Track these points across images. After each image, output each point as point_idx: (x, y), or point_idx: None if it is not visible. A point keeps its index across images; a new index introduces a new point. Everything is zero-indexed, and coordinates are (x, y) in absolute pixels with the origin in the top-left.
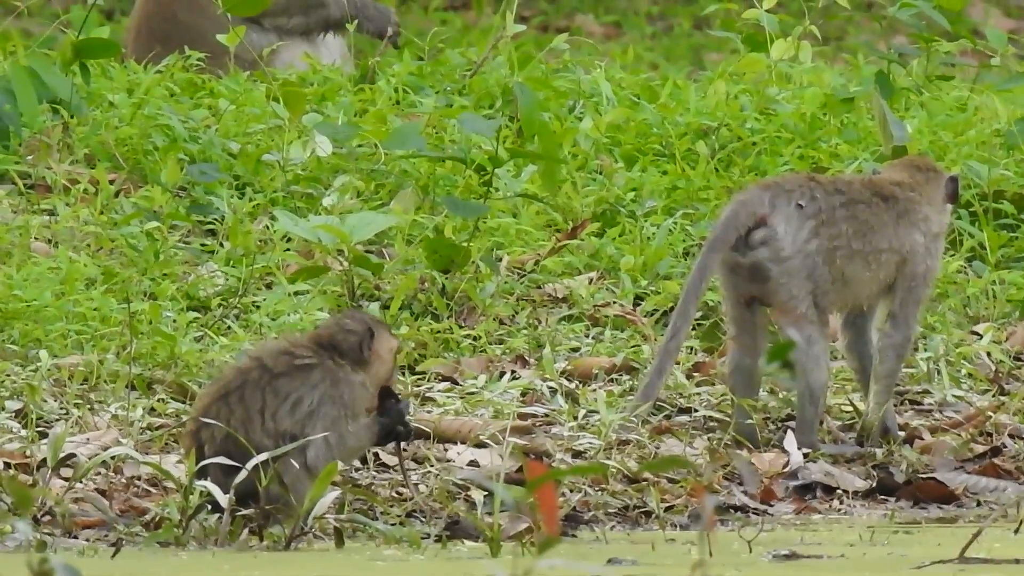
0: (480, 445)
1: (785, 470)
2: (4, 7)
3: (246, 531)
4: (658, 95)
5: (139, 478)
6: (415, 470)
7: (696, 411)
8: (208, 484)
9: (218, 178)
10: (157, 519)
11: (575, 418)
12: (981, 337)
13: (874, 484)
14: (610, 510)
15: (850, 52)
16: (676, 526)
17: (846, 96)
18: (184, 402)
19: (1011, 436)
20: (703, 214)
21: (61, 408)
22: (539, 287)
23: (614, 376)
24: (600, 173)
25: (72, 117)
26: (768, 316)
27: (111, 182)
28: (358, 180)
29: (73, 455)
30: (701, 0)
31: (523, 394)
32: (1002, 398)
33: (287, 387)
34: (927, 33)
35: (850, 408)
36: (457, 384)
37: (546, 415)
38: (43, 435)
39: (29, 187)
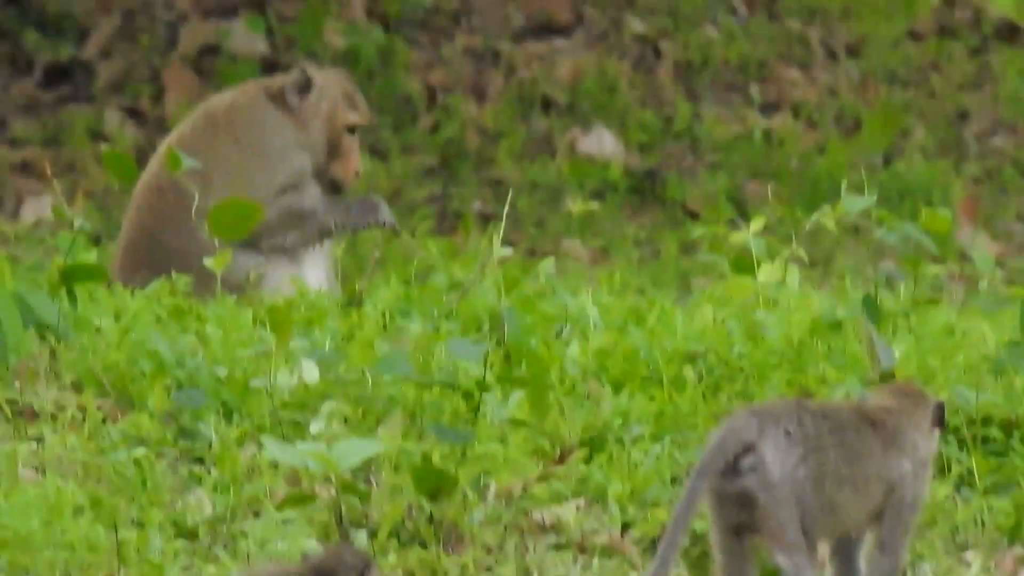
0: None
1: None
2: None
3: None
4: (646, 320)
5: None
6: None
7: None
8: None
9: (205, 404)
10: None
11: None
12: (970, 566)
13: None
14: None
15: (838, 276)
16: None
17: (834, 321)
18: None
19: None
20: (691, 440)
21: None
22: (527, 514)
23: None
24: (588, 398)
25: (59, 343)
26: (757, 544)
27: (98, 408)
28: (345, 406)
29: None
30: (687, 224)
31: None
32: None
33: None
34: (914, 257)
35: None
36: None
37: None
38: None
39: (16, 414)
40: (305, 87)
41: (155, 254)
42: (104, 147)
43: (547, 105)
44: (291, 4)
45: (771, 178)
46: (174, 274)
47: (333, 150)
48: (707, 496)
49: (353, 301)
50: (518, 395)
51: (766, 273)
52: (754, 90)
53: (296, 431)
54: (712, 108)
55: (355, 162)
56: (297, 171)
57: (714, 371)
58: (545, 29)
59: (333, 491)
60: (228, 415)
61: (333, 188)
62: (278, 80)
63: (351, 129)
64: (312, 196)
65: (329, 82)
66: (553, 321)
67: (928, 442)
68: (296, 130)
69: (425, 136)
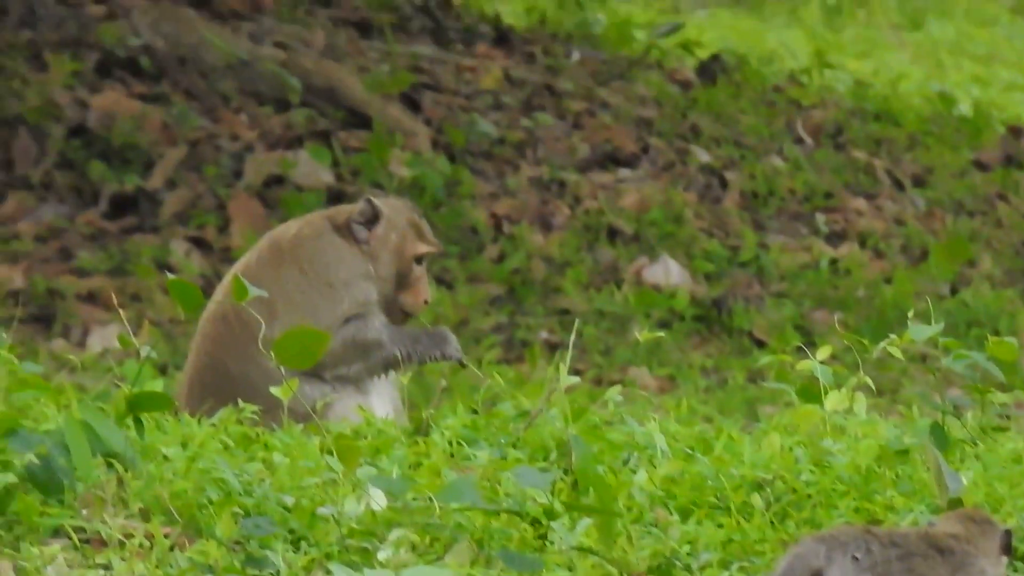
0: None
1: None
2: (57, 361)
3: None
4: (712, 447)
5: None
6: None
7: None
8: None
9: (273, 532)
10: None
11: None
12: None
13: None
14: None
15: (904, 404)
16: None
17: (901, 448)
18: None
19: None
20: (759, 567)
21: None
22: None
23: None
24: (655, 526)
25: (126, 471)
26: None
27: (166, 536)
28: (413, 534)
29: None
30: (754, 353)
31: None
32: None
33: None
34: (981, 384)
35: None
36: None
37: None
38: None
39: (84, 542)
40: (372, 218)
41: (221, 383)
42: (169, 276)
43: (613, 234)
44: (356, 135)
45: (838, 307)
46: (240, 403)
47: (402, 280)
48: None
49: (420, 429)
50: (585, 523)
51: (833, 401)
52: (820, 220)
53: (364, 559)
54: (778, 237)
55: (424, 292)
56: (362, 301)
57: (782, 498)
58: (611, 159)
59: None
60: (296, 543)
61: (402, 318)
62: (344, 211)
63: (419, 259)
64: (377, 327)
65: (395, 212)
66: (620, 449)
67: (996, 569)
68: (363, 261)
69: (491, 266)
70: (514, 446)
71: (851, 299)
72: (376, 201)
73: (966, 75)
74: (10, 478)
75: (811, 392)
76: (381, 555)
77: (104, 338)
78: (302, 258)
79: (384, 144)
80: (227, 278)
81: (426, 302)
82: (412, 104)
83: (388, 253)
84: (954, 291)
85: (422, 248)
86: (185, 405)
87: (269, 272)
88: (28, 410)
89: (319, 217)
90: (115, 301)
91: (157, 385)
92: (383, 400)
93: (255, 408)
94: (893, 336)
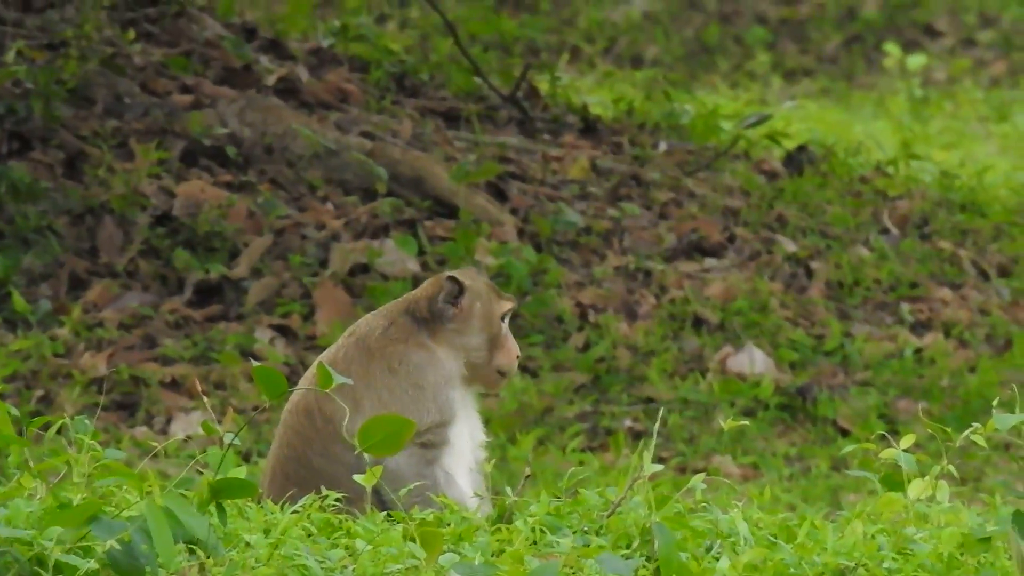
0: None
1: None
2: (140, 448)
3: None
4: (795, 535)
5: None
6: None
7: None
8: None
9: None
10: None
11: None
12: None
13: None
14: None
15: (988, 492)
16: None
17: (983, 536)
18: None
19: None
20: None
21: None
22: None
23: None
24: None
25: (209, 558)
26: None
27: None
28: None
29: None
30: (839, 442)
31: None
32: None
33: None
34: None
35: None
36: None
37: None
38: None
39: None
40: (458, 293)
41: (304, 475)
42: (254, 363)
43: (698, 323)
44: (443, 224)
45: (922, 396)
46: (323, 490)
47: (493, 343)
48: None
49: (504, 516)
50: None
51: (916, 489)
52: (905, 309)
53: None
54: (863, 327)
55: (515, 348)
56: (445, 412)
57: None
58: (696, 249)
59: None
60: None
61: (497, 378)
62: (420, 298)
63: (503, 316)
64: (436, 473)
65: (473, 279)
66: (703, 536)
67: None
68: (451, 360)
69: (576, 354)
70: (597, 533)
71: (935, 388)
72: (457, 275)
73: None
74: (92, 564)
75: (894, 480)
76: None
77: (187, 425)
78: (391, 357)
79: (470, 233)
80: (312, 368)
81: (518, 357)
82: (498, 193)
83: (478, 320)
84: None
85: (506, 306)
86: (268, 492)
87: (357, 369)
88: (111, 497)
89: (401, 313)
90: (199, 388)
91: (240, 472)
92: (468, 485)
93: (338, 495)
94: (977, 425)
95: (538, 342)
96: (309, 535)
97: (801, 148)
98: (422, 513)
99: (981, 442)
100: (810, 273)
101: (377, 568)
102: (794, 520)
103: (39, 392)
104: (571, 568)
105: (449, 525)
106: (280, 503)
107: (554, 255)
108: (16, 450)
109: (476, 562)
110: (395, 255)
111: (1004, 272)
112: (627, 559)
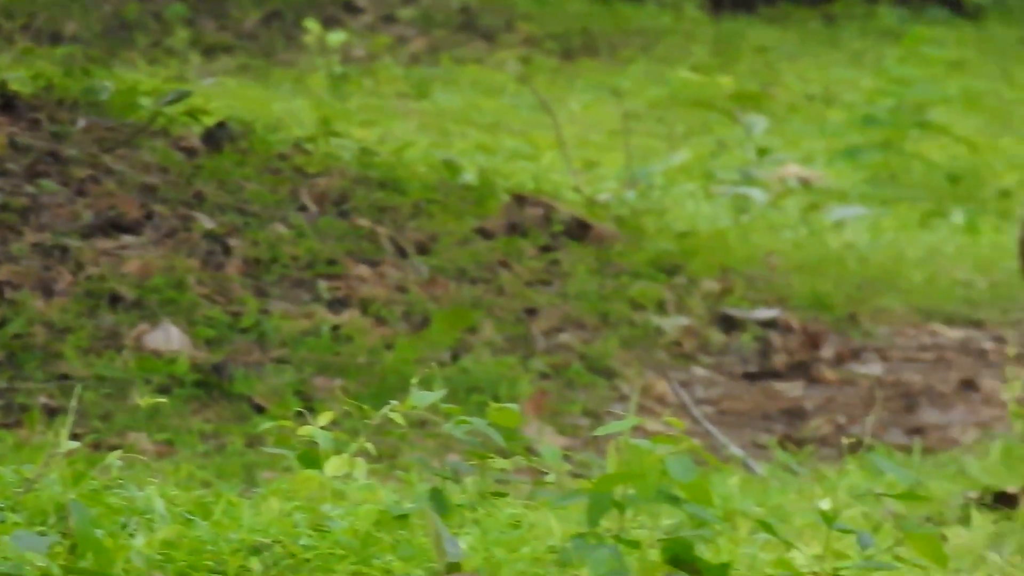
0: None
1: None
2: None
3: None
4: (212, 512)
5: None
6: None
7: None
8: None
9: None
10: None
11: None
12: None
13: None
14: None
15: (404, 469)
16: None
17: (400, 513)
18: None
19: None
20: None
21: None
22: None
23: None
24: None
25: None
26: None
27: None
28: None
29: None
30: (255, 419)
31: None
32: None
33: None
34: (481, 450)
35: None
36: None
37: None
38: None
39: None
40: None
41: None
42: None
43: (115, 300)
44: None
45: (339, 373)
46: None
47: None
48: None
49: None
50: None
51: (333, 466)
52: (322, 286)
53: None
54: (280, 304)
55: None
56: None
57: (280, 562)
58: (114, 226)
59: None
60: None
61: None
62: None
63: None
64: None
65: None
66: (120, 513)
67: None
68: None
69: None
70: (13, 510)
71: (352, 366)
72: None
73: (472, 144)
74: None
75: (311, 457)
76: None
77: None
78: None
79: None
80: None
81: None
82: None
83: None
84: (455, 358)
85: None
86: None
87: None
88: None
89: None
90: None
91: None
92: None
93: None
94: (395, 402)
95: None
96: None
97: (220, 125)
98: None
99: (399, 419)
100: (228, 250)
101: None
102: (210, 497)
103: None
104: None
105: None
106: None
107: None
108: None
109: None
110: None
111: (423, 249)
112: (42, 536)
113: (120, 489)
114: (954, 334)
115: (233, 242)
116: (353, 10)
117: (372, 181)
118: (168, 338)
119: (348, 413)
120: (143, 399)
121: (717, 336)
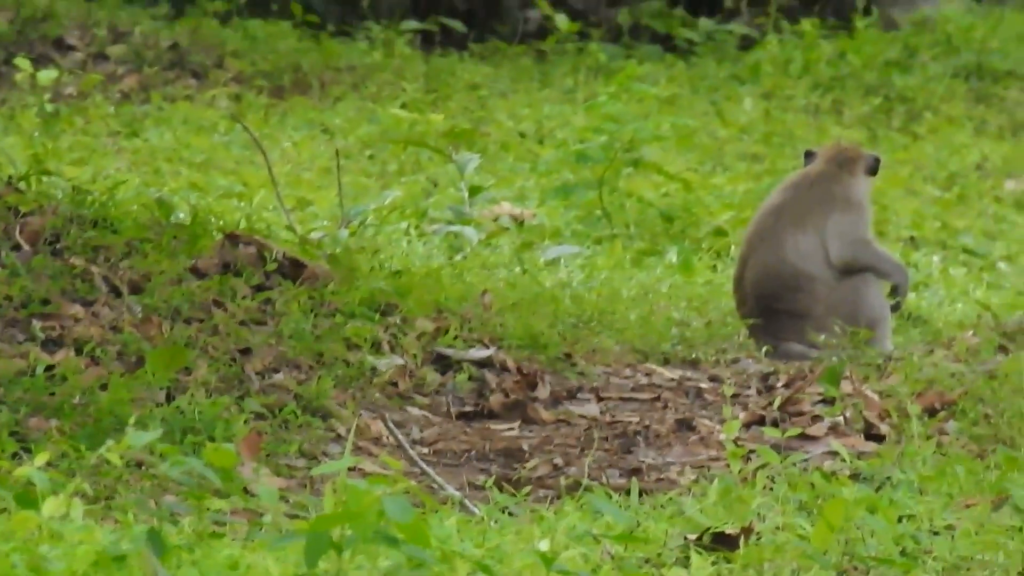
0: None
1: None
2: None
3: None
4: None
5: None
6: None
7: None
8: None
9: None
10: None
11: None
12: None
13: None
14: None
15: (121, 510)
16: None
17: (118, 554)
18: None
19: None
20: None
21: None
22: None
23: None
24: None
25: None
26: None
27: None
28: None
29: None
30: None
31: None
32: None
33: None
34: (198, 491)
35: None
36: None
37: None
38: None
39: None
40: None
41: None
42: None
43: None
44: None
45: (54, 414)
46: None
47: None
48: None
49: None
50: None
51: (50, 507)
52: (36, 326)
53: None
54: None
55: None
56: None
57: None
58: None
59: None
60: None
61: None
62: None
63: None
64: None
65: None
66: None
67: None
68: None
69: None
70: None
71: (68, 406)
72: None
73: (184, 182)
74: None
75: (28, 498)
76: None
77: None
78: None
79: None
80: None
81: None
82: None
83: None
84: (170, 398)
85: None
86: None
87: None
88: None
89: None
90: None
91: None
92: None
93: None
94: (111, 442)
95: None
96: None
97: None
98: None
99: (115, 460)
100: None
101: None
102: None
103: None
104: None
105: None
106: None
107: None
108: None
109: None
110: None
111: (136, 289)
112: None
113: None
114: (670, 374)
115: None
116: (64, 47)
117: (85, 220)
118: None
119: (64, 454)
120: None
121: (432, 376)
